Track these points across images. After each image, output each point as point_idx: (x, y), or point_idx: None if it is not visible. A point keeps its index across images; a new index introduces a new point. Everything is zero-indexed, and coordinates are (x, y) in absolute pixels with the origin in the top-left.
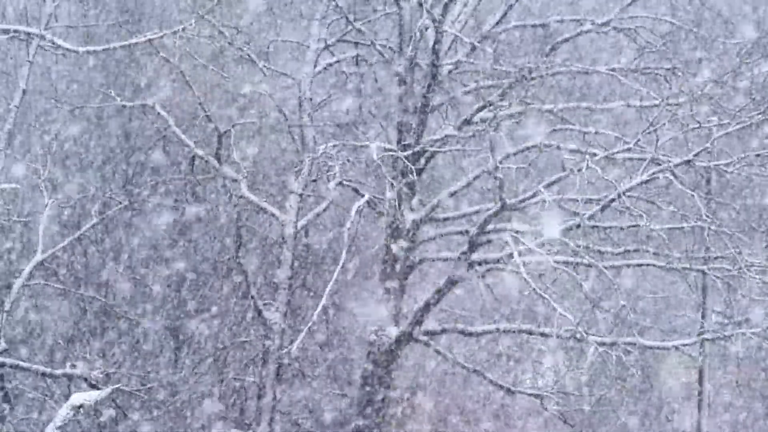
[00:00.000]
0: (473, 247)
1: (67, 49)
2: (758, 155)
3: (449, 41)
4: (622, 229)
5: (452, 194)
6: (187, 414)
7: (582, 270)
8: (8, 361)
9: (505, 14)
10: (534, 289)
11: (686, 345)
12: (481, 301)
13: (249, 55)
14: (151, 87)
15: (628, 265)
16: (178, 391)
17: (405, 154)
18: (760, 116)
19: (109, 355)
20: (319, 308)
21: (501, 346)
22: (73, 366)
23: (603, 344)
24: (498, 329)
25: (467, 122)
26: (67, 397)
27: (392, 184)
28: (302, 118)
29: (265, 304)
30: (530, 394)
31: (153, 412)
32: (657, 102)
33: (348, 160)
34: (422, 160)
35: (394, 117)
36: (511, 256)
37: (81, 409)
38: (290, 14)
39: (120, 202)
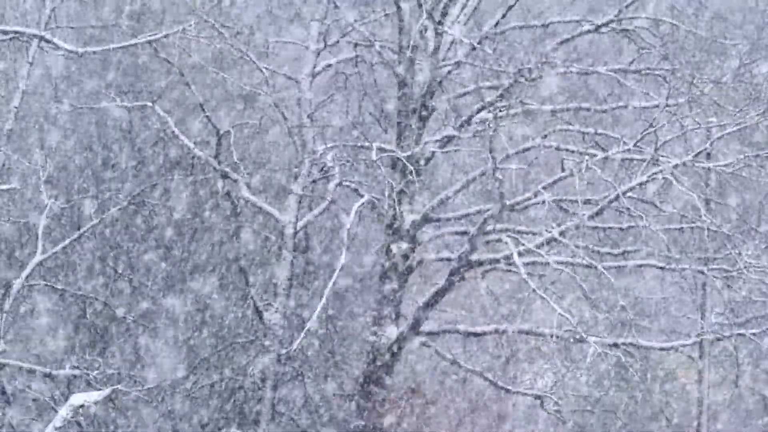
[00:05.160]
0: (473, 247)
1: (67, 50)
2: (757, 156)
3: (449, 42)
4: (621, 229)
5: (452, 195)
6: (187, 415)
7: (581, 271)
8: (8, 361)
9: (504, 15)
10: (534, 289)
11: (686, 345)
12: (481, 301)
13: (248, 56)
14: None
15: (628, 266)
16: (177, 391)
17: (404, 154)
18: (759, 116)
19: (108, 355)
20: (319, 308)
21: (500, 346)
22: (73, 367)
23: (602, 345)
24: (497, 330)
25: (467, 123)
26: (66, 397)
27: (392, 185)
28: (302, 119)
29: (264, 305)
30: (530, 395)
31: (152, 413)
32: (657, 103)
33: (348, 161)
34: (422, 161)
35: (394, 117)
36: (510, 256)
37: (81, 410)
38: (290, 14)
39: (120, 203)
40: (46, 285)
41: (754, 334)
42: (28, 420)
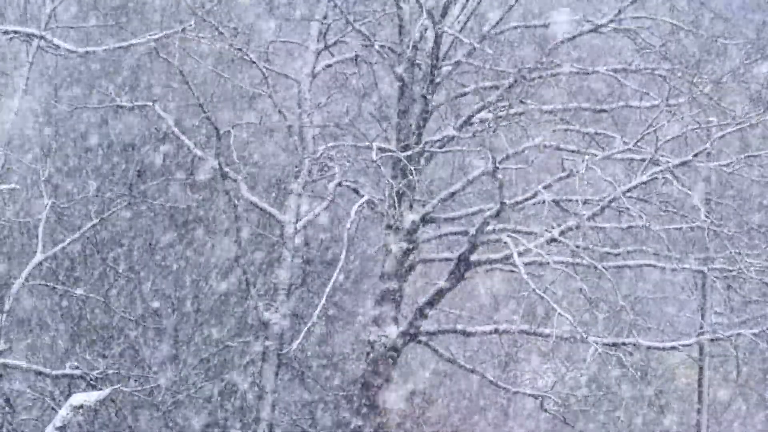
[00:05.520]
0: (473, 247)
1: (67, 50)
2: (758, 155)
3: (449, 42)
4: (621, 229)
5: (452, 194)
6: (187, 414)
7: (581, 271)
8: (8, 361)
9: (505, 14)
10: (534, 289)
11: (686, 345)
12: (481, 301)
13: (248, 56)
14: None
15: (628, 266)
16: (178, 391)
17: (404, 154)
18: (759, 116)
19: (108, 355)
20: (319, 308)
21: (500, 346)
22: (73, 366)
23: (603, 344)
24: (497, 330)
25: (467, 123)
26: (67, 397)
27: (392, 185)
28: (302, 119)
29: (265, 305)
30: (530, 395)
31: (152, 413)
32: (657, 103)
33: (348, 161)
34: (422, 161)
35: (394, 117)
36: (510, 256)
37: (81, 410)
38: (290, 14)
39: (120, 203)
40: (46, 285)
41: (754, 334)
42: (28, 420)
